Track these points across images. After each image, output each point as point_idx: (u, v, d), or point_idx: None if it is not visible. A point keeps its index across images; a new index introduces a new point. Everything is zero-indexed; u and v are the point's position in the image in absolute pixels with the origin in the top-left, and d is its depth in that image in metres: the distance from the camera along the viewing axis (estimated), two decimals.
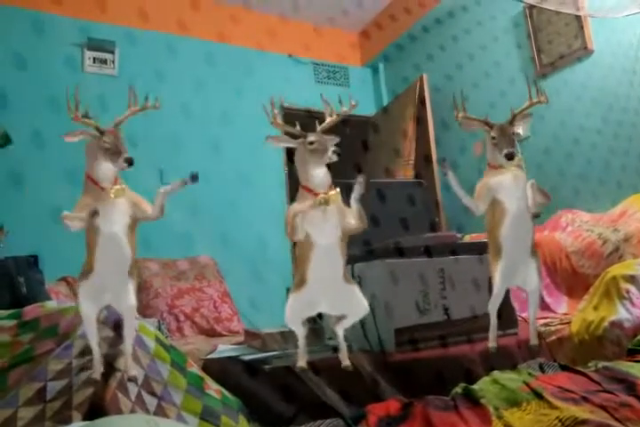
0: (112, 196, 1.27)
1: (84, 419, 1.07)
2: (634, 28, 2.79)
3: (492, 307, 1.51)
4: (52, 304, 1.43)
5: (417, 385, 1.22)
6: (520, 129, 3.42)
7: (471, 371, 1.27)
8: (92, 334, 1.22)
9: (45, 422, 1.10)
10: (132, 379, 1.23)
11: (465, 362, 1.33)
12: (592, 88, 3.07)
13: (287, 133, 1.48)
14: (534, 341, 1.51)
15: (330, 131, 1.51)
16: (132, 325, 1.28)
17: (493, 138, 1.54)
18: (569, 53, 3.18)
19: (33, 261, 2.67)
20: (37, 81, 3.42)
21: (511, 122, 1.58)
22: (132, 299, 1.27)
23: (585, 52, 3.08)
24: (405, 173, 4.08)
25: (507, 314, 1.65)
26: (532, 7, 3.33)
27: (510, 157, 1.47)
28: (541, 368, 1.19)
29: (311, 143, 1.40)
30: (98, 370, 1.18)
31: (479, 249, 1.68)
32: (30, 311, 1.38)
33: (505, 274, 1.50)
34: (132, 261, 1.29)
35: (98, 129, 1.30)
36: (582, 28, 3.07)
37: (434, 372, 1.26)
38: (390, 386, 1.20)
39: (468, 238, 2.89)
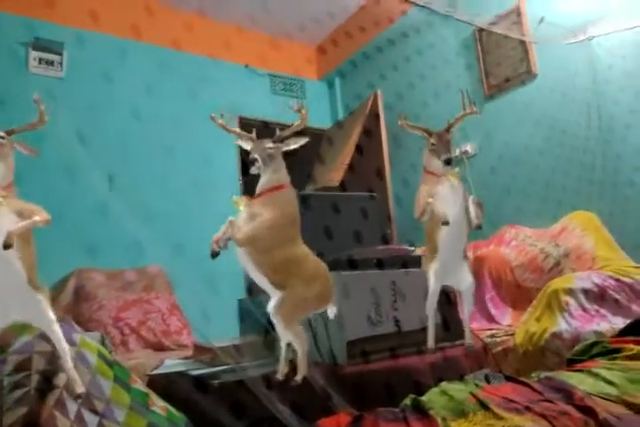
0: None
1: None
2: (575, 55, 2.97)
3: (430, 305, 1.62)
4: None
5: (368, 397, 1.22)
6: (469, 147, 3.56)
7: (420, 382, 1.29)
8: None
9: None
10: (79, 397, 1.16)
11: (414, 373, 1.35)
12: (535, 110, 3.23)
13: (241, 137, 1.50)
14: (469, 340, 1.63)
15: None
16: (58, 339, 1.21)
17: (432, 144, 1.66)
18: (514, 76, 3.35)
19: None
20: None
21: (447, 129, 1.71)
22: (47, 315, 1.20)
23: (529, 75, 3.25)
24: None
25: (454, 325, 1.70)
26: (481, 30, 3.49)
27: (448, 162, 1.61)
28: (487, 379, 1.23)
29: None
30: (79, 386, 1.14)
31: None
32: None
33: (439, 273, 1.64)
34: (29, 274, 1.20)
35: None
36: (527, 52, 3.24)
37: (384, 383, 1.26)
38: (341, 398, 1.20)
39: (418, 251, 2.96)
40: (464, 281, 1.71)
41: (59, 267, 3.17)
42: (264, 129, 1.55)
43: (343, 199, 2.38)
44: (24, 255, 1.18)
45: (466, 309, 1.72)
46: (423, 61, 4.05)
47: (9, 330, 1.19)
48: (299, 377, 1.30)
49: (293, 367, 1.35)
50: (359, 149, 4.24)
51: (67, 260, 3.20)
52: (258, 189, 1.44)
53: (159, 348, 3.08)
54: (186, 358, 1.95)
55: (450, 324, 1.65)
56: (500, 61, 3.47)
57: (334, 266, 1.56)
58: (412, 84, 4.10)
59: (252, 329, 1.87)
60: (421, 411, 0.99)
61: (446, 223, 1.59)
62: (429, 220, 1.66)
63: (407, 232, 3.82)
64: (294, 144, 1.47)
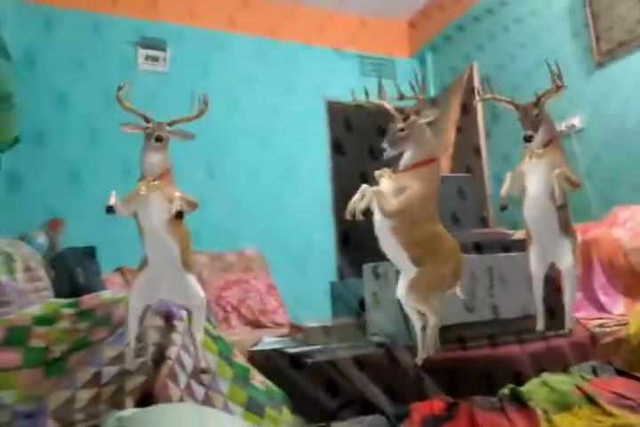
0: (143, 190, 1.26)
1: (136, 404, 1.12)
2: None
3: (536, 290, 1.56)
4: (106, 294, 1.49)
5: (462, 385, 1.19)
6: (576, 120, 3.27)
7: (520, 372, 1.23)
8: (133, 325, 1.25)
9: (100, 404, 1.15)
10: (204, 371, 1.26)
11: (513, 363, 1.29)
12: None
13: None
14: (570, 325, 1.53)
15: (379, 122, 1.50)
16: (199, 318, 1.30)
17: (519, 119, 1.56)
18: (630, 40, 3.00)
19: (90, 253, 2.80)
20: (95, 80, 3.57)
21: (535, 103, 1.58)
22: (196, 294, 1.28)
23: None
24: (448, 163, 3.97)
25: (558, 314, 1.60)
26: None
27: (527, 139, 1.49)
28: (594, 371, 1.14)
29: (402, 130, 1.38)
30: (130, 360, 1.21)
31: None
32: (86, 301, 1.45)
33: (537, 255, 1.59)
34: (182, 255, 1.28)
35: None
36: None
37: (480, 372, 1.23)
38: (434, 384, 1.18)
39: (518, 234, 2.80)
40: (566, 260, 1.58)
41: None
42: (355, 111, 1.53)
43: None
44: (178, 237, 1.28)
45: (569, 291, 1.58)
46: (523, 30, 3.76)
47: (125, 307, 1.32)
48: (426, 354, 1.31)
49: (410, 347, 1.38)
50: (456, 125, 4.08)
51: None
52: (405, 162, 1.40)
53: (257, 325, 3.25)
54: (282, 336, 2.04)
55: (553, 312, 1.55)
56: (613, 24, 3.12)
57: None
58: (511, 55, 3.83)
59: (344, 311, 1.90)
60: (520, 402, 0.95)
61: (504, 208, 1.55)
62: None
63: (506, 213, 3.62)
64: (429, 116, 1.41)
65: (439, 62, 4.79)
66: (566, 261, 1.57)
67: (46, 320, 1.37)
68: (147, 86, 3.49)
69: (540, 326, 1.56)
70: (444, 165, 3.94)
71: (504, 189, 1.59)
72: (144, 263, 1.29)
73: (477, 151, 3.90)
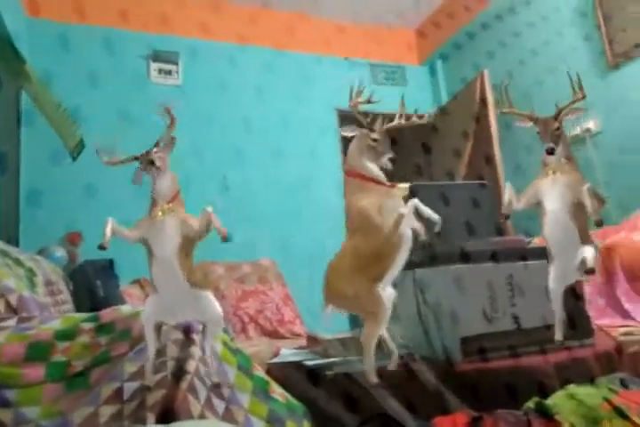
0: (160, 215, 1.24)
1: (157, 420, 1.11)
2: None
3: (554, 306, 1.52)
4: (126, 308, 1.50)
5: (485, 398, 1.17)
6: (591, 124, 3.23)
7: (544, 384, 1.21)
8: (151, 339, 1.24)
9: (124, 421, 1.16)
10: (218, 386, 1.25)
11: (537, 374, 1.26)
12: None
13: (357, 122, 1.51)
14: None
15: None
16: (215, 332, 1.29)
17: (538, 133, 1.54)
18: None
19: (109, 265, 2.82)
20: (109, 94, 3.63)
21: (556, 117, 1.55)
22: (214, 310, 1.26)
23: None
24: (461, 172, 3.96)
25: (581, 323, 1.57)
26: None
27: (550, 151, 1.49)
28: (623, 383, 1.11)
29: (374, 140, 1.41)
30: (149, 377, 1.20)
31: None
32: (106, 315, 1.45)
33: (557, 276, 1.53)
34: (189, 278, 1.26)
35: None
36: None
37: (503, 384, 1.20)
38: (457, 398, 1.16)
39: (536, 242, 2.76)
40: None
41: None
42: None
43: (453, 189, 2.29)
44: (190, 261, 1.27)
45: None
46: (534, 36, 3.75)
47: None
48: None
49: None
50: (466, 134, 4.05)
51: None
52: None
53: (275, 336, 3.25)
54: (300, 347, 2.03)
55: (576, 321, 1.52)
56: (627, 26, 3.09)
57: (445, 259, 1.52)
58: (522, 62, 3.82)
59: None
60: (546, 415, 0.93)
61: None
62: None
63: (522, 221, 3.58)
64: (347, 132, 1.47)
65: (449, 70, 4.80)
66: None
67: (67, 335, 1.38)
68: (161, 99, 3.54)
69: (558, 335, 1.52)
70: (461, 171, 3.92)
71: (506, 199, 1.59)
72: (153, 289, 1.29)
73: (490, 160, 3.87)
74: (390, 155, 1.41)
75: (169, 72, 3.92)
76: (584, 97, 1.56)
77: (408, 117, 1.48)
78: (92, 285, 2.55)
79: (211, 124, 3.86)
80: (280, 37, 4.28)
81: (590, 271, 1.40)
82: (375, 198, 1.36)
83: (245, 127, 3.99)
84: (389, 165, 1.41)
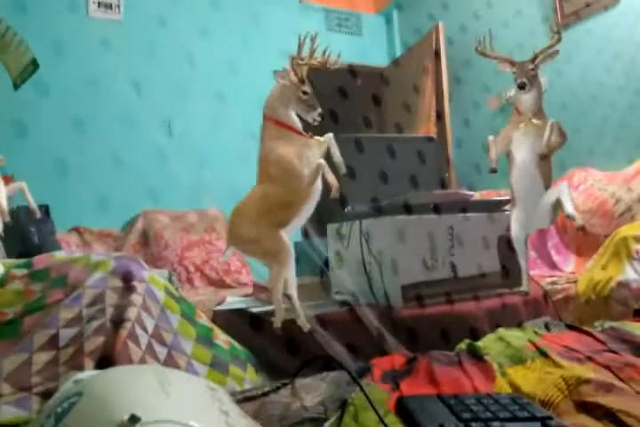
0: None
1: (96, 366, 1.10)
2: None
3: (519, 253, 1.64)
4: (61, 254, 1.43)
5: (422, 341, 1.24)
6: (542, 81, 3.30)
7: (476, 328, 1.28)
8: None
9: (59, 367, 1.13)
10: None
11: (470, 319, 1.34)
12: (616, 41, 2.91)
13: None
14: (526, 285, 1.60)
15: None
16: None
17: (513, 73, 1.59)
18: (596, 1, 3.00)
19: (44, 211, 2.68)
20: (41, 27, 3.30)
21: (533, 60, 1.62)
22: None
23: None
24: (428, 130, 3.96)
25: (513, 272, 1.66)
26: None
27: (521, 86, 1.55)
28: (547, 327, 1.20)
29: (305, 93, 1.40)
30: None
31: (490, 207, 1.67)
32: (40, 261, 1.39)
33: (520, 221, 1.64)
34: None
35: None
36: None
37: (439, 328, 1.27)
38: (396, 341, 1.22)
39: (478, 196, 2.86)
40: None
41: (126, 209, 3.34)
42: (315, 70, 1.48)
43: (399, 142, 2.30)
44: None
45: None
46: None
47: (82, 267, 1.28)
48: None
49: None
50: (416, 88, 4.03)
51: (132, 202, 3.36)
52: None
53: (221, 285, 3.26)
54: (246, 295, 2.05)
55: (509, 270, 1.61)
56: None
57: (389, 210, 1.54)
58: (476, 15, 3.78)
59: (308, 270, 1.91)
60: (477, 356, 0.98)
61: (492, 171, 1.61)
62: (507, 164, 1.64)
63: (467, 176, 3.68)
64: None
65: (405, 20, 4.68)
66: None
67: None
68: (99, 34, 3.26)
69: (524, 285, 1.64)
70: (429, 131, 3.92)
71: (493, 153, 1.63)
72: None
73: (439, 114, 3.89)
74: (320, 110, 1.40)
75: (109, 6, 3.60)
76: (559, 40, 1.60)
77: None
78: (25, 231, 2.43)
79: (152, 62, 3.61)
80: None
81: (570, 218, 1.50)
82: (295, 147, 1.36)
83: (190, 67, 3.77)
84: (317, 122, 1.41)
